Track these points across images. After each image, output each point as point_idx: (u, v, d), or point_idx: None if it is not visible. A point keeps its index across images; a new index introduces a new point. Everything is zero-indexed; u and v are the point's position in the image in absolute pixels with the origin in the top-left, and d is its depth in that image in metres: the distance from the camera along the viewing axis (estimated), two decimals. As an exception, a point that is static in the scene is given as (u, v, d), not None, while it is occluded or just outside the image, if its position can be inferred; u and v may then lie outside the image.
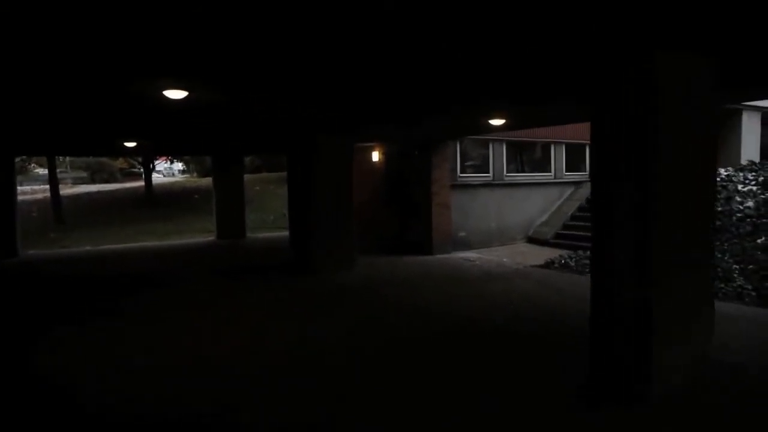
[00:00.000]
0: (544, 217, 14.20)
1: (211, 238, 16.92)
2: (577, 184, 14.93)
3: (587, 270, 9.81)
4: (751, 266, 8.97)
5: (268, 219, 23.35)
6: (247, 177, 29.52)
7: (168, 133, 10.52)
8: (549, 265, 10.47)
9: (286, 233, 14.29)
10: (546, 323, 6.41)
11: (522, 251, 12.64)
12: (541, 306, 7.22)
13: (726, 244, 9.97)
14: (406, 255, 12.10)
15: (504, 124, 8.66)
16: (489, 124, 8.74)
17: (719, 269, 8.96)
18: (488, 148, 13.37)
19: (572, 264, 10.27)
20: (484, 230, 13.22)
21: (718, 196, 11.50)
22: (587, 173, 15.41)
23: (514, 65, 5.02)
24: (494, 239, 13.37)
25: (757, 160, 19.87)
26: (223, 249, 14.35)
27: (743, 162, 18.19)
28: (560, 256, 10.83)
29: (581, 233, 12.98)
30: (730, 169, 13.15)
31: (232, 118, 8.42)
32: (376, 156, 13.95)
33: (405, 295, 7.96)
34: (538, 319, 6.57)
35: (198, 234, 18.99)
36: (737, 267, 9.06)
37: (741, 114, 18.97)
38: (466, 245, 12.83)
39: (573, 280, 9.03)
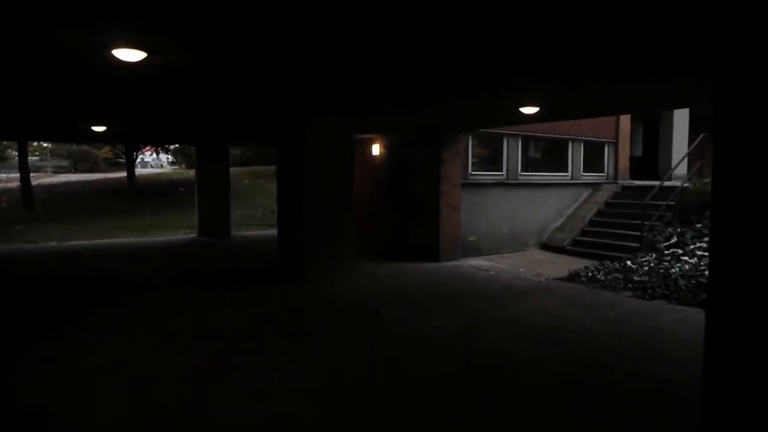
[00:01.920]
0: (559, 222, 12.90)
1: (192, 235, 15.51)
2: (594, 185, 13.63)
3: (621, 286, 8.51)
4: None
5: (257, 215, 21.93)
6: (235, 170, 28.12)
7: (140, 117, 9.09)
8: (574, 278, 9.16)
9: (275, 231, 12.90)
10: (610, 368, 5.03)
11: (537, 259, 11.32)
12: (587, 338, 5.87)
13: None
14: (409, 261, 10.74)
15: (537, 113, 7.29)
16: (518, 113, 7.38)
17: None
18: (502, 144, 12.03)
19: (601, 277, 8.96)
20: (495, 235, 11.88)
21: None
22: (605, 174, 14.12)
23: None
24: (506, 245, 12.04)
25: None
26: (202, 248, 12.94)
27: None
28: (586, 267, 9.51)
29: (602, 240, 11.69)
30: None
31: (209, 96, 7.01)
32: (376, 149, 12.58)
33: (412, 318, 6.55)
34: (593, 361, 5.21)
35: (180, 230, 17.55)
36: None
37: None
38: (476, 251, 11.49)
39: (609, 300, 7.70)
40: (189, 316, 6.74)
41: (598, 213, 12.71)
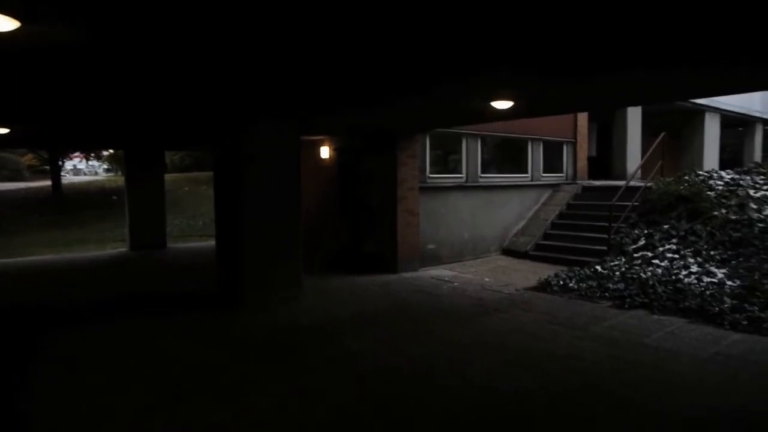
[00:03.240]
0: (521, 225, 12.26)
1: (123, 249, 14.00)
2: (554, 186, 13.09)
3: (597, 295, 7.86)
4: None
5: (197, 225, 20.42)
6: (174, 176, 26.44)
7: (47, 116, 7.74)
8: (545, 287, 8.46)
9: (215, 244, 11.66)
10: (622, 407, 4.24)
11: (501, 266, 10.61)
12: (582, 364, 5.09)
13: (753, 260, 8.28)
14: (365, 273, 9.79)
15: (511, 109, 6.48)
16: (487, 109, 6.55)
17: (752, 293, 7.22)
18: (461, 144, 11.27)
19: (574, 285, 8.29)
20: (456, 241, 11.09)
21: (728, 203, 9.92)
22: (565, 175, 13.63)
23: None
24: (467, 252, 11.28)
25: (716, 161, 19.10)
26: (132, 266, 11.54)
27: (706, 165, 17.21)
28: (556, 275, 8.83)
29: (566, 244, 11.11)
30: (729, 171, 11.68)
31: (124, 91, 5.83)
32: (325, 152, 11.58)
33: (379, 350, 5.55)
34: (598, 397, 4.41)
35: (110, 244, 15.93)
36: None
37: (704, 115, 17.92)
38: (436, 260, 10.67)
39: (589, 312, 7.01)
40: (85, 362, 5.50)
41: (560, 215, 12.16)
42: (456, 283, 8.89)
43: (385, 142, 9.96)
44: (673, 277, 8.11)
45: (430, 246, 10.61)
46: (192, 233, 18.73)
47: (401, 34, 3.78)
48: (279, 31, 3.72)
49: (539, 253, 11.29)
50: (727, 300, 7.11)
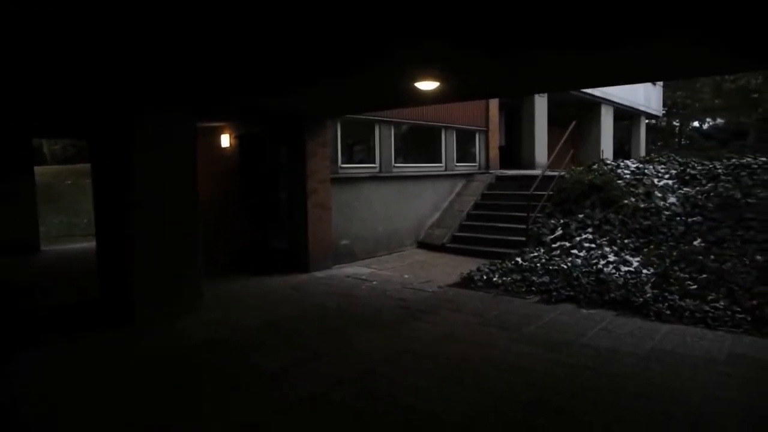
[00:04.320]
0: (436, 217, 11.85)
1: (-17, 254, 11.96)
2: (468, 176, 12.81)
3: (524, 290, 7.54)
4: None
5: (81, 223, 18.22)
6: (55, 168, 23.59)
7: None
8: (468, 282, 8.02)
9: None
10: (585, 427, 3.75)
11: (419, 261, 10.10)
12: (523, 374, 4.59)
13: (663, 247, 8.37)
14: (274, 274, 8.87)
15: (437, 90, 5.83)
16: (413, 90, 5.88)
17: (672, 280, 7.24)
18: (374, 131, 10.59)
19: (497, 280, 7.92)
20: (370, 236, 10.44)
21: (636, 191, 10.06)
22: (477, 164, 13.41)
23: None
24: (382, 247, 10.67)
25: (611, 152, 20.03)
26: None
27: (603, 155, 17.93)
28: (478, 270, 8.43)
29: (483, 236, 10.83)
30: (633, 160, 11.97)
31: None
32: (225, 140, 10.46)
33: (297, 370, 4.73)
34: (552, 416, 3.90)
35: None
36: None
37: (600, 107, 18.65)
38: (350, 256, 9.96)
39: (519, 310, 6.61)
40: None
41: (476, 206, 11.89)
42: (374, 282, 8.23)
43: (292, 128, 9.06)
44: (594, 268, 7.98)
45: (344, 242, 9.87)
46: (75, 233, 16.65)
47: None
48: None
49: (456, 246, 10.93)
50: (648, 290, 7.04)
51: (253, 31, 3.68)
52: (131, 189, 6.07)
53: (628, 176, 10.66)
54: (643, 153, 23.16)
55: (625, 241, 8.87)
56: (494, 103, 13.74)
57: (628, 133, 24.67)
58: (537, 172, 13.81)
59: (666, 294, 6.81)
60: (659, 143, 31.59)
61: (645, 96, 22.41)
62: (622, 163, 11.41)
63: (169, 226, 6.43)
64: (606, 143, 19.30)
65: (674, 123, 32.84)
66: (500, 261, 8.89)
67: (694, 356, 4.89)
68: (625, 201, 9.72)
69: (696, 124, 32.72)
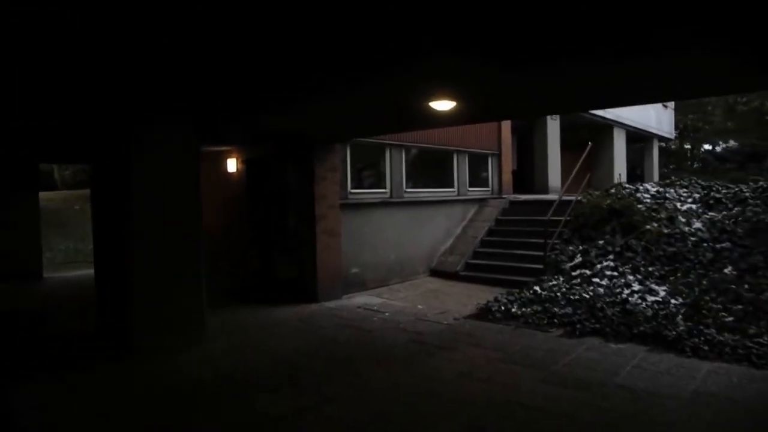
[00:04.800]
0: (449, 244, 11.46)
1: (-16, 282, 11.66)
2: (481, 201, 12.45)
3: (545, 322, 7.10)
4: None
5: (87, 249, 17.96)
6: (64, 194, 23.45)
7: None
8: (486, 314, 7.59)
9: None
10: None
11: (432, 290, 9.68)
12: (560, 424, 4.14)
13: (692, 275, 7.91)
14: (280, 304, 8.48)
15: (452, 111, 5.50)
16: (424, 111, 5.56)
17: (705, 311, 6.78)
18: (384, 155, 10.28)
19: (516, 311, 7.48)
20: (381, 264, 10.04)
21: (658, 216, 9.64)
22: (490, 189, 13.05)
23: None
24: (393, 275, 10.26)
25: (624, 175, 19.62)
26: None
27: (620, 177, 17.52)
28: (496, 300, 8.01)
29: (498, 263, 10.41)
30: (652, 184, 11.57)
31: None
32: (232, 165, 10.18)
33: (311, 416, 4.28)
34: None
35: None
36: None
37: (612, 130, 18.31)
38: (361, 285, 9.56)
39: (543, 345, 6.16)
40: None
41: (490, 232, 11.49)
42: (387, 313, 7.81)
43: (301, 153, 8.76)
44: (618, 298, 7.54)
45: (354, 270, 9.48)
46: (80, 259, 16.36)
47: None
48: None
49: (470, 273, 10.51)
50: (680, 322, 6.58)
51: (258, 35, 3.38)
52: (130, 217, 5.74)
53: (648, 200, 10.25)
54: (656, 176, 22.73)
55: (650, 268, 8.42)
56: (506, 126, 13.44)
57: (641, 156, 24.28)
58: (551, 196, 13.45)
59: (701, 327, 6.35)
60: (671, 166, 31.16)
61: (657, 118, 22.10)
62: (641, 187, 11.01)
63: (171, 254, 6.08)
64: (619, 167, 18.90)
65: (686, 146, 32.44)
66: (518, 290, 8.46)
67: (747, 401, 4.41)
68: (647, 226, 9.30)
69: (707, 146, 32.31)
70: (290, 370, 5.36)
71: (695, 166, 31.34)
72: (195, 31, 3.20)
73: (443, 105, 5.21)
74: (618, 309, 7.16)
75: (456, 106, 5.30)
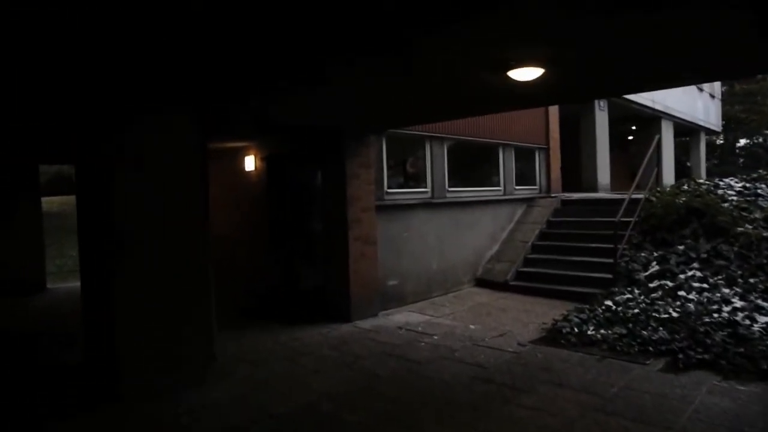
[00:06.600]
0: (495, 249, 10.09)
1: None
2: (528, 201, 11.05)
3: (636, 349, 5.72)
4: None
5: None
6: (72, 199, 22.71)
7: None
8: (556, 337, 6.22)
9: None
10: None
11: (482, 304, 8.33)
12: None
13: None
14: (305, 322, 7.26)
15: (535, 83, 4.13)
16: (500, 83, 4.22)
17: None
18: (425, 149, 8.96)
19: (593, 333, 6.10)
20: (422, 274, 8.72)
21: (751, 216, 8.12)
22: (538, 187, 11.64)
23: None
24: (436, 286, 8.94)
25: (672, 170, 18.00)
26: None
27: (664, 174, 15.92)
28: (564, 318, 6.64)
29: (555, 271, 9.00)
30: (735, 179, 10.03)
31: None
32: (250, 163, 8.98)
33: None
34: None
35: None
36: None
37: (660, 122, 16.70)
38: (399, 299, 8.26)
39: (642, 384, 4.79)
40: None
41: (541, 235, 10.09)
42: (435, 336, 6.49)
43: (329, 146, 7.51)
44: (719, 317, 6.12)
45: (392, 282, 8.18)
46: (88, 268, 15.39)
47: None
48: None
49: (522, 284, 9.13)
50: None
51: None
52: (112, 229, 4.52)
53: (734, 198, 8.76)
54: (703, 172, 21.04)
55: (750, 280, 6.97)
56: (554, 117, 12.02)
57: (686, 150, 22.57)
58: (603, 195, 12.07)
59: None
60: (714, 161, 29.21)
61: (704, 110, 20.42)
62: (721, 183, 9.52)
63: (169, 272, 4.86)
64: (668, 161, 17.30)
65: (730, 138, 30.42)
66: (588, 306, 7.08)
67: None
68: (740, 228, 7.83)
69: (745, 140, 30.25)
70: (320, 425, 4.08)
71: (741, 160, 29.36)
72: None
73: (527, 74, 3.87)
74: (726, 333, 5.75)
75: (542, 75, 3.96)
